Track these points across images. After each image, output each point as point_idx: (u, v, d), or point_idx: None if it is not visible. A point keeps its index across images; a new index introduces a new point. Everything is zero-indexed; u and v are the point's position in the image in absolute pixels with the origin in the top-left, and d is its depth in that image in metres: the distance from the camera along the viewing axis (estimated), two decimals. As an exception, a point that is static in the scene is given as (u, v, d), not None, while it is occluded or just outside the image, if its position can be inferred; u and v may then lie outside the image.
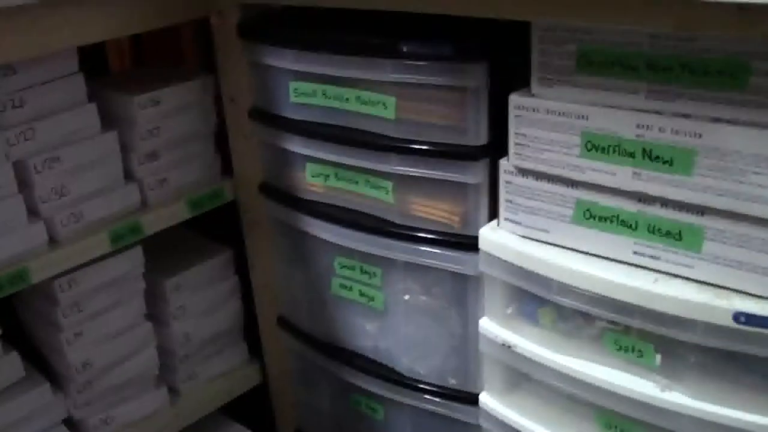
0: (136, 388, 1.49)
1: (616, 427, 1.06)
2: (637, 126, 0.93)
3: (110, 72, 1.66)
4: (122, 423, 1.48)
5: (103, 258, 1.36)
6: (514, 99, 1.03)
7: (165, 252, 1.53)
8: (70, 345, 1.37)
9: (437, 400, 1.31)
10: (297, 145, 1.32)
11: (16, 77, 1.21)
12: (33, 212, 1.28)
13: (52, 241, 1.31)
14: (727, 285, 0.92)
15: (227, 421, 1.71)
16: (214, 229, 1.62)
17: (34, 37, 1.16)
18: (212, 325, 1.59)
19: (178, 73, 1.49)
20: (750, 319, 0.88)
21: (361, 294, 1.35)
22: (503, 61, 1.09)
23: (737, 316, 0.89)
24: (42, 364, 1.41)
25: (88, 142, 1.32)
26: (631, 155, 0.94)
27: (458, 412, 1.30)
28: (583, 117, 0.97)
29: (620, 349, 1.02)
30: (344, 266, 1.35)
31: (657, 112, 0.91)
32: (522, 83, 1.03)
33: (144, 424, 1.51)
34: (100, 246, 1.35)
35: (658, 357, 0.99)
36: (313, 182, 1.33)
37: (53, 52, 1.22)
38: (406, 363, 1.34)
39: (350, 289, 1.36)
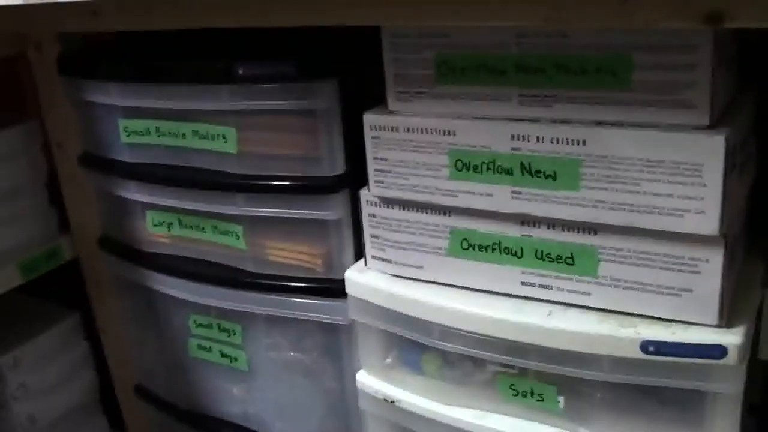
0: None
1: None
2: (512, 137, 0.85)
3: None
4: None
5: None
6: (369, 118, 0.95)
7: None
8: None
9: None
10: (133, 192, 1.23)
11: None
12: None
13: None
14: (631, 310, 0.86)
15: None
16: (57, 290, 1.51)
17: None
18: (63, 401, 1.48)
19: (7, 120, 1.38)
20: (660, 347, 0.82)
21: (223, 355, 1.26)
22: (356, 77, 1.04)
23: (645, 346, 0.82)
24: None
25: None
26: (508, 172, 0.87)
27: None
28: (449, 132, 0.89)
29: (517, 394, 0.95)
30: (200, 325, 1.27)
31: (533, 120, 0.84)
32: (380, 100, 0.96)
33: None
34: None
35: (561, 399, 0.92)
36: (155, 232, 1.24)
37: None
38: (280, 428, 1.26)
39: (209, 350, 1.28)
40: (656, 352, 0.82)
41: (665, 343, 0.81)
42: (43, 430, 1.44)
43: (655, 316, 0.84)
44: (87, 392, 1.52)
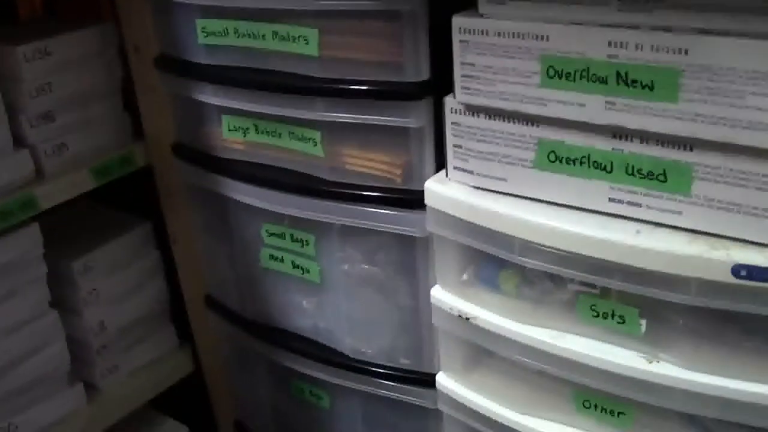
0: (45, 388, 1.37)
1: (596, 406, 0.99)
2: (609, 44, 0.82)
3: (18, 21, 1.56)
4: (32, 429, 1.36)
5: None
6: (458, 21, 0.91)
7: (70, 229, 1.44)
8: (-42, 343, 1.26)
9: (388, 383, 1.24)
10: (210, 95, 1.22)
11: None
12: None
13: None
14: (723, 233, 0.83)
15: (158, 417, 1.63)
16: (129, 199, 1.53)
17: None
18: (132, 310, 1.49)
19: (81, 22, 1.36)
20: (752, 272, 0.79)
21: (294, 266, 1.26)
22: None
23: (737, 270, 0.80)
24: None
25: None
26: (603, 81, 0.83)
27: (413, 395, 1.23)
28: (542, 38, 0.86)
29: (598, 315, 0.93)
30: (273, 234, 1.27)
31: (632, 27, 0.80)
32: (468, 3, 0.92)
33: (58, 428, 1.39)
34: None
35: (643, 323, 0.91)
36: (231, 138, 1.23)
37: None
38: (350, 343, 1.26)
39: (281, 260, 1.28)
40: (748, 277, 0.79)
41: (758, 267, 0.79)
42: (112, 336, 1.45)
43: (748, 239, 0.81)
44: (156, 302, 1.53)
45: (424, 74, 1.02)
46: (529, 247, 0.92)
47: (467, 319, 1.03)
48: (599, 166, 0.88)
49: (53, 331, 1.36)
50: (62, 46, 1.28)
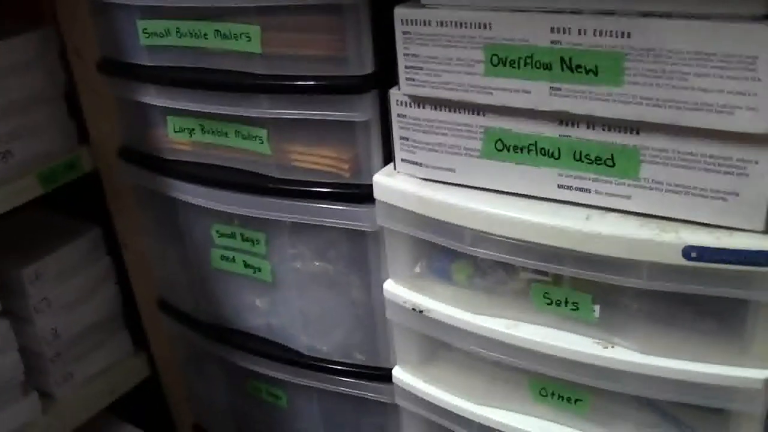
0: None
1: (553, 393, 0.99)
2: (552, 30, 0.81)
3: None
4: None
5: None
6: (400, 12, 0.90)
7: (18, 237, 1.43)
8: None
9: (345, 380, 1.24)
10: (154, 96, 1.20)
11: None
12: None
13: None
14: (673, 215, 0.83)
15: (116, 422, 1.62)
16: (77, 205, 1.51)
17: None
18: (85, 316, 1.47)
19: (20, 27, 1.35)
20: (702, 253, 0.80)
21: (246, 265, 1.25)
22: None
23: (687, 252, 0.80)
24: None
25: None
26: (547, 67, 0.83)
27: (370, 391, 1.23)
28: (484, 26, 0.85)
29: (551, 303, 0.94)
30: (223, 234, 1.26)
31: (575, 12, 0.80)
32: None
33: None
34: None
35: (597, 308, 0.91)
36: (177, 139, 1.22)
37: None
38: (305, 341, 1.26)
39: (233, 260, 1.27)
40: (699, 258, 0.79)
41: (709, 248, 0.79)
42: (66, 344, 1.44)
43: (698, 221, 0.81)
44: (109, 307, 1.52)
45: (369, 67, 1.01)
46: (480, 237, 0.92)
47: (421, 311, 1.02)
48: (547, 153, 0.88)
49: (5, 340, 1.33)
50: (2, 52, 1.26)
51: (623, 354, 0.88)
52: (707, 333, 0.87)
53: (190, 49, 1.12)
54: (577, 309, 0.91)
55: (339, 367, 1.23)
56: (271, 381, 1.33)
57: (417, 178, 0.99)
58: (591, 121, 0.84)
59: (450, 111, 0.93)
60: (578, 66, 0.80)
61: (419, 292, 1.04)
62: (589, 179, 0.86)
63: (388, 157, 1.04)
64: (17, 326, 1.35)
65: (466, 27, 0.86)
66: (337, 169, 1.09)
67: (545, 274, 0.93)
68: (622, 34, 0.77)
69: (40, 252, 1.39)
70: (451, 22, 0.87)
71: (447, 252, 0.98)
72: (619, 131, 0.83)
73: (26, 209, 1.36)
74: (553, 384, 0.97)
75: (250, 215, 1.18)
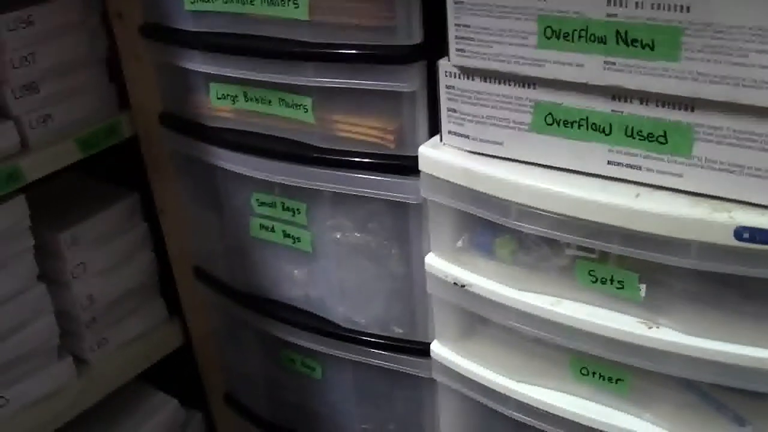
0: (34, 362, 1.36)
1: (594, 373, 0.98)
2: (608, 2, 0.79)
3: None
4: (21, 404, 1.35)
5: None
6: None
7: (57, 201, 1.42)
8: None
9: (382, 353, 1.24)
10: (197, 63, 1.20)
11: None
12: None
13: None
14: (725, 195, 0.82)
15: (148, 390, 1.62)
16: (116, 170, 1.51)
17: None
18: (121, 282, 1.48)
19: None
20: (755, 234, 0.78)
21: (285, 235, 1.25)
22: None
23: (739, 232, 0.79)
24: None
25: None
26: (602, 41, 0.81)
27: (407, 365, 1.22)
28: None
29: (596, 281, 0.92)
30: (263, 203, 1.25)
31: None
32: None
33: (48, 402, 1.39)
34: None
35: (643, 288, 0.90)
36: (219, 106, 1.21)
37: None
38: (342, 313, 1.26)
39: (272, 230, 1.26)
40: (750, 239, 0.78)
41: (761, 230, 0.78)
42: (101, 309, 1.45)
43: (751, 201, 0.80)
44: (145, 274, 1.52)
45: (417, 37, 1.00)
46: (526, 212, 0.91)
47: (462, 286, 1.02)
48: (598, 128, 0.87)
49: (41, 304, 1.35)
50: (45, 15, 1.25)
51: (668, 335, 0.87)
52: (753, 316, 0.85)
53: (236, 15, 1.11)
54: (623, 288, 0.90)
55: (376, 340, 1.23)
56: (306, 352, 1.33)
57: (464, 150, 0.98)
58: (645, 97, 0.82)
59: (500, 83, 0.91)
60: (634, 40, 0.79)
61: (461, 266, 1.03)
62: (640, 156, 0.85)
63: (434, 129, 1.03)
64: (53, 290, 1.36)
65: (520, -3, 0.85)
66: (382, 140, 1.08)
67: (591, 251, 0.92)
68: (681, 8, 0.75)
69: (78, 217, 1.39)
70: (505, -9, 0.86)
71: (490, 227, 0.98)
72: (673, 108, 0.81)
73: (65, 174, 1.37)
74: (594, 363, 0.96)
75: (292, 184, 1.18)
